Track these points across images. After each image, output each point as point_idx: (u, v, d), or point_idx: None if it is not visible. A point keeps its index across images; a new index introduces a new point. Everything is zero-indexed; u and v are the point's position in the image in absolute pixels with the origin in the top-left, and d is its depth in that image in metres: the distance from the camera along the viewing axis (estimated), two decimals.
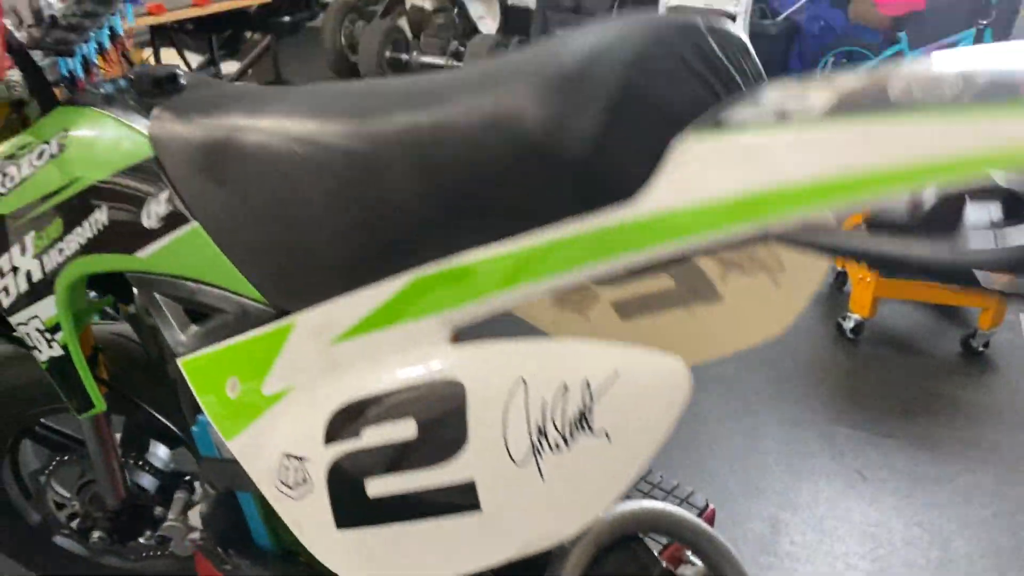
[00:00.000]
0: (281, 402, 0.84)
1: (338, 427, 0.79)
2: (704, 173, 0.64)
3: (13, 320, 1.04)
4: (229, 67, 3.84)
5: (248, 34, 3.88)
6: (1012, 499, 2.01)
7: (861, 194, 0.56)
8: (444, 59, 4.95)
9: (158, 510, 1.36)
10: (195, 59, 3.80)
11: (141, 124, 0.95)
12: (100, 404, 1.09)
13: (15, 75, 0.96)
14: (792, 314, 0.77)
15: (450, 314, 0.75)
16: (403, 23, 5.15)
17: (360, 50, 4.91)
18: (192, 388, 0.90)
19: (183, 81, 0.99)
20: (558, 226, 0.70)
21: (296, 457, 0.82)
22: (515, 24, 4.95)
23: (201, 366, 0.89)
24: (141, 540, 1.39)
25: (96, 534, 1.36)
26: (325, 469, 0.80)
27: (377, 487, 0.78)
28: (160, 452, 1.41)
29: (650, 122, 0.68)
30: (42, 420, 1.37)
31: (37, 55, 0.98)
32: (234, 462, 0.90)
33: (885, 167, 0.55)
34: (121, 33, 1.04)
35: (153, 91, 0.97)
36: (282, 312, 0.86)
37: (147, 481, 1.36)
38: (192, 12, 2.93)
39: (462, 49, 4.86)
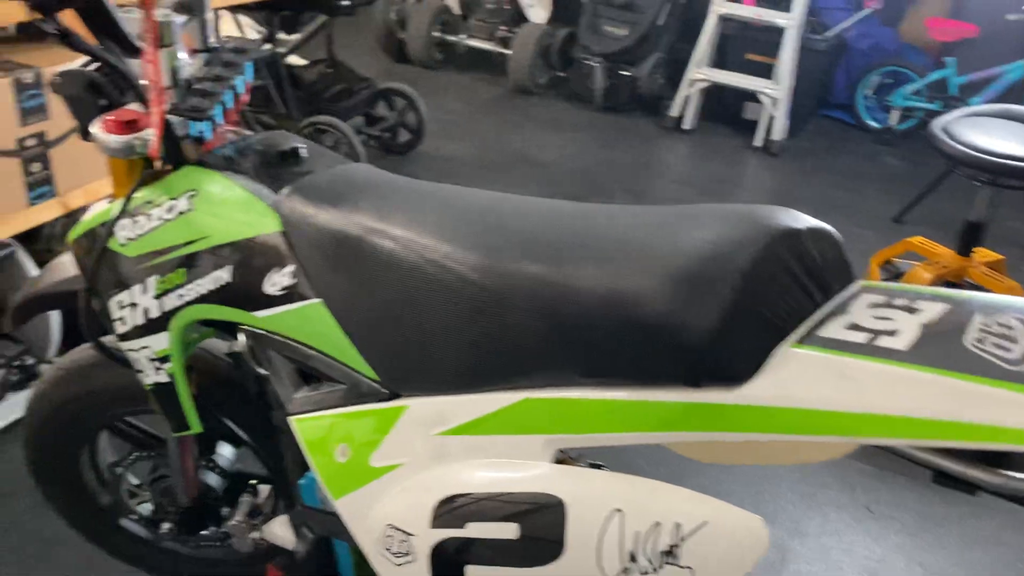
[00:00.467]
0: (388, 476, 0.94)
1: (444, 514, 0.89)
2: (800, 384, 0.74)
3: (124, 346, 1.14)
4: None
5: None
6: (1014, 547, 2.10)
7: (931, 435, 0.66)
8: (491, 44, 4.99)
9: (223, 509, 1.47)
10: (243, 22, 3.88)
11: (267, 196, 1.04)
12: (196, 427, 1.19)
13: (147, 135, 1.05)
14: (852, 448, 0.86)
15: (554, 438, 0.85)
16: (453, 3, 5.18)
17: (409, 27, 4.96)
18: (303, 446, 1.00)
19: (304, 154, 1.08)
20: (663, 391, 0.79)
21: (402, 531, 0.92)
22: (564, 15, 4.98)
23: (313, 427, 0.99)
24: (204, 532, 1.51)
25: (165, 526, 1.48)
26: (429, 548, 0.90)
27: (476, 573, 0.88)
28: (226, 452, 1.51)
29: (757, 325, 0.78)
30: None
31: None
32: (335, 516, 1.00)
33: (955, 420, 0.65)
34: (241, 92, 1.12)
35: (277, 163, 1.06)
36: (393, 393, 0.96)
37: (213, 480, 1.47)
38: None
39: (510, 35, 4.90)
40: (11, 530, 1.90)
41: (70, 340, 2.30)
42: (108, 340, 1.17)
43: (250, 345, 1.10)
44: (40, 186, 2.08)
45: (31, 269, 2.25)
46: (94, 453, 1.53)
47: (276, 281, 1.01)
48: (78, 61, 1.10)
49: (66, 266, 1.30)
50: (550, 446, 0.86)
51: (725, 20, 4.40)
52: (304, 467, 1.13)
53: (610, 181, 3.95)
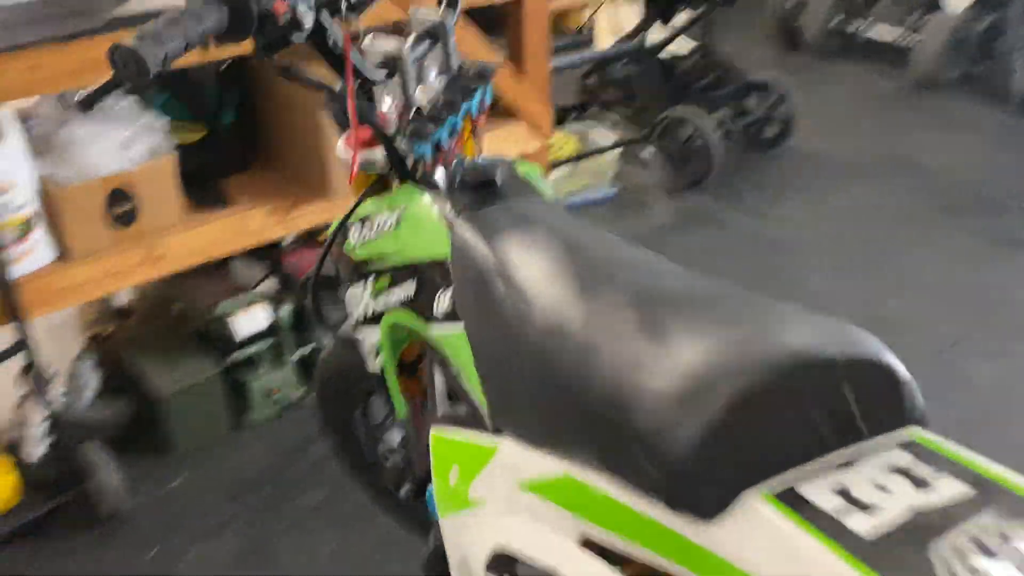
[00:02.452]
0: (475, 510, 0.98)
1: (495, 567, 0.91)
2: (749, 543, 0.65)
3: (355, 334, 1.30)
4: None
5: None
6: None
7: None
8: (898, 33, 4.52)
9: None
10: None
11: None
12: (400, 413, 1.31)
13: (379, 153, 1.17)
14: None
15: (582, 525, 0.82)
16: None
17: (806, 14, 4.68)
18: (432, 460, 1.07)
19: (499, 183, 1.11)
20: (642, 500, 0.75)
21: (469, 569, 0.96)
22: (991, 1, 4.34)
23: (442, 443, 1.07)
24: None
25: (406, 486, 1.63)
26: None
27: None
28: None
29: (735, 460, 0.70)
30: None
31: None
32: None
33: None
34: (477, 114, 1.19)
35: (474, 189, 1.12)
36: (496, 429, 0.98)
37: None
38: None
39: (920, 23, 4.40)
40: (259, 518, 2.09)
41: None
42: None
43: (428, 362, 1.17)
44: None
45: None
46: (366, 414, 1.73)
47: (440, 302, 1.08)
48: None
49: None
50: (575, 532, 0.83)
51: None
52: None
53: (1007, 195, 3.40)
